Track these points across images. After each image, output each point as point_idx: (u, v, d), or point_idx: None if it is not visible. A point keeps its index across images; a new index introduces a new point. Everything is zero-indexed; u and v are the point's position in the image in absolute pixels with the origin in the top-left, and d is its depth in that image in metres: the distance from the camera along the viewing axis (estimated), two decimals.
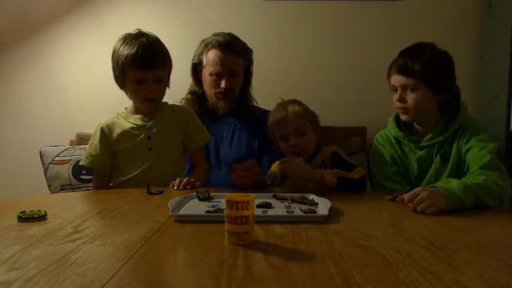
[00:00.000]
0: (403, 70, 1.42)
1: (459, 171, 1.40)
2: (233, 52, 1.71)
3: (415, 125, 1.51)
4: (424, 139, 1.47)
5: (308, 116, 1.48)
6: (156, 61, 1.42)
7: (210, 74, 1.72)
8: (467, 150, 1.39)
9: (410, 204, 1.09)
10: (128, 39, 1.42)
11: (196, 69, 1.79)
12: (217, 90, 1.73)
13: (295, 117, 1.44)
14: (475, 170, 1.30)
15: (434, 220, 1.02)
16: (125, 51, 1.39)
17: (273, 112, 1.50)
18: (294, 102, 1.49)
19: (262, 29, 2.36)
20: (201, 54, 1.75)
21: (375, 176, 1.55)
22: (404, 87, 1.43)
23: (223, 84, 1.71)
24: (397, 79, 1.44)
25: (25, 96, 2.42)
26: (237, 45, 1.73)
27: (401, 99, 1.44)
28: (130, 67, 1.39)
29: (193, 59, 1.79)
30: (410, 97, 1.42)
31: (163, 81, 1.46)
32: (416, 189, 1.12)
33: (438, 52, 1.46)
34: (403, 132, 1.50)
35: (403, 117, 1.48)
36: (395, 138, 1.54)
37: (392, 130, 1.54)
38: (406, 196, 1.12)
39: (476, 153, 1.35)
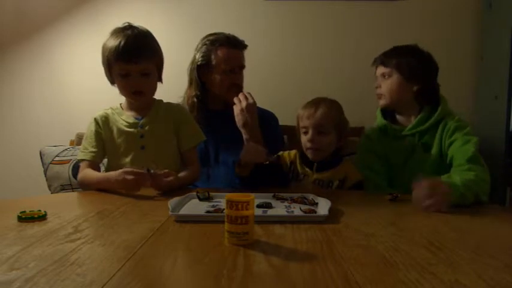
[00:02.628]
0: (381, 61, 1.58)
1: (441, 162, 1.47)
2: (240, 47, 1.74)
3: (397, 116, 1.60)
4: (406, 129, 1.54)
5: (336, 119, 1.47)
6: (141, 54, 1.37)
7: (223, 72, 1.71)
8: (451, 143, 1.44)
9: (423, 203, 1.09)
10: (114, 33, 1.39)
11: (200, 71, 1.75)
12: (232, 87, 1.72)
13: (321, 116, 1.44)
14: (461, 163, 1.35)
15: (434, 220, 1.02)
16: (110, 44, 1.37)
17: (307, 104, 1.50)
18: (332, 101, 1.49)
19: (262, 28, 2.36)
20: (207, 55, 1.72)
21: (359, 166, 1.58)
22: (382, 76, 1.56)
23: (238, 79, 1.72)
24: (377, 70, 1.59)
25: (25, 96, 2.42)
26: (240, 40, 1.75)
27: (378, 86, 1.58)
28: (115, 60, 1.37)
29: (197, 61, 1.74)
30: (385, 83, 1.55)
31: (150, 75, 1.42)
32: (424, 184, 1.11)
33: (418, 48, 1.59)
34: (387, 121, 1.59)
35: (379, 102, 1.60)
36: (380, 128, 1.61)
37: (378, 120, 1.63)
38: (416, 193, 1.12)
39: (461, 147, 1.40)
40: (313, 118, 1.44)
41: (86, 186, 1.42)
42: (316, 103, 1.47)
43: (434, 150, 1.49)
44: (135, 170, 1.24)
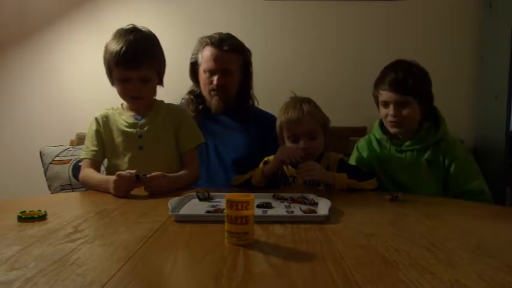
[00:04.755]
0: (396, 86, 1.47)
1: (444, 178, 1.50)
2: (226, 49, 1.71)
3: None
4: (405, 144, 1.54)
5: (321, 119, 1.45)
6: (141, 60, 1.36)
7: (204, 71, 1.73)
8: (452, 163, 1.48)
9: None
10: (117, 35, 1.38)
11: (194, 68, 1.80)
12: (210, 87, 1.73)
13: (309, 119, 1.41)
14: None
15: (434, 220, 1.02)
16: (111, 48, 1.36)
17: (286, 109, 1.45)
18: (309, 101, 1.45)
19: (263, 28, 2.37)
20: (197, 53, 1.76)
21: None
22: (399, 103, 1.48)
23: (215, 81, 1.71)
24: (391, 96, 1.48)
25: (25, 96, 2.42)
26: (231, 42, 1.72)
27: (397, 114, 1.48)
28: (115, 66, 1.36)
29: (190, 59, 1.80)
30: (404, 112, 1.48)
31: (150, 81, 1.41)
32: None
33: (419, 66, 1.53)
34: (386, 136, 1.58)
35: (393, 130, 1.53)
36: (377, 140, 1.61)
37: (376, 133, 1.61)
38: None
39: (471, 181, 1.47)
40: (302, 124, 1.40)
41: (86, 186, 1.42)
42: (299, 107, 1.42)
43: (439, 167, 1.50)
44: (126, 174, 1.24)
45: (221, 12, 2.36)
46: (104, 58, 1.41)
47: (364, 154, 1.63)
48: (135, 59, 1.35)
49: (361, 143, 1.67)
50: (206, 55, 1.72)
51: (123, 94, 1.44)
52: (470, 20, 2.34)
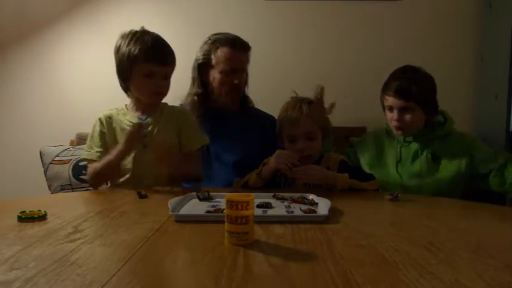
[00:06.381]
0: (401, 93, 1.54)
1: (449, 172, 1.57)
2: (242, 49, 1.73)
3: None
4: (409, 137, 1.64)
5: (320, 121, 1.45)
6: (168, 57, 1.43)
7: (221, 72, 1.72)
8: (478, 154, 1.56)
9: None
10: (138, 34, 1.42)
11: (201, 69, 1.77)
12: (229, 87, 1.73)
13: (308, 120, 1.41)
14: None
15: (434, 220, 1.02)
16: (138, 44, 1.39)
17: (286, 109, 1.46)
18: (310, 102, 1.46)
19: (263, 29, 2.36)
20: (208, 54, 1.74)
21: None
22: (402, 109, 1.55)
23: (236, 80, 1.72)
24: (395, 101, 1.56)
25: (25, 96, 2.42)
26: (242, 42, 1.74)
27: (400, 119, 1.57)
28: (143, 60, 1.38)
29: (198, 60, 1.77)
30: (407, 117, 1.56)
31: (168, 79, 1.47)
32: None
33: (426, 74, 1.59)
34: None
35: (398, 133, 1.61)
36: (386, 131, 1.71)
37: (388, 126, 1.70)
38: None
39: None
40: (301, 125, 1.41)
41: (96, 176, 1.42)
42: (298, 107, 1.42)
43: (443, 161, 1.58)
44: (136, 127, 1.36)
45: (222, 12, 2.36)
46: (125, 56, 1.40)
47: (370, 137, 1.75)
48: (164, 55, 1.42)
49: (374, 130, 1.79)
50: (224, 55, 1.71)
51: (147, 89, 1.44)
52: (470, 20, 2.34)
